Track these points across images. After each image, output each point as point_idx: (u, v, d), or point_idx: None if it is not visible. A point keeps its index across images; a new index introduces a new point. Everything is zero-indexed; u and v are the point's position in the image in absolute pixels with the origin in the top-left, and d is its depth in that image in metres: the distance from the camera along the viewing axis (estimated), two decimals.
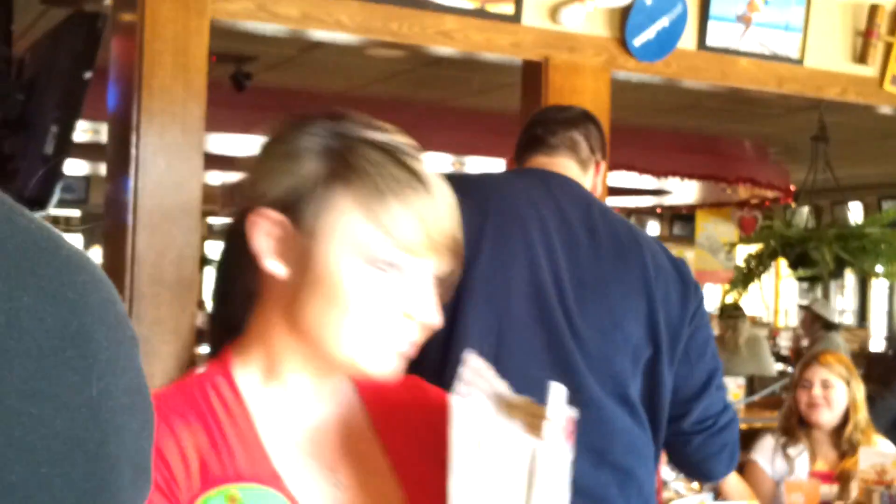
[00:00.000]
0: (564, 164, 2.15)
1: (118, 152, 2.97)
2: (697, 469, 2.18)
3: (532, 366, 1.78)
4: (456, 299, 1.71)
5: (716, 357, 2.09)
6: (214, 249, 14.66)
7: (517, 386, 1.73)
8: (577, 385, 1.79)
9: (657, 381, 1.95)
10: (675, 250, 15.46)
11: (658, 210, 12.85)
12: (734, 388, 6.60)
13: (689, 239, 12.95)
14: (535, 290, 1.82)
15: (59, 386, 0.61)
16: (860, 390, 3.51)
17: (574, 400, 1.78)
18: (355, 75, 7.27)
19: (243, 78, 6.72)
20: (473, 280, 1.78)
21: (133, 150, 2.86)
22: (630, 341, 1.91)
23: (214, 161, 8.36)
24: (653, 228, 14.58)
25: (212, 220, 13.81)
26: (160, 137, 2.88)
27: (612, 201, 10.77)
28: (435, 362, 1.64)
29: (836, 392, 3.46)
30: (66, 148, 3.04)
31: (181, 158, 2.89)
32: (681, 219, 13.96)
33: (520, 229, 1.88)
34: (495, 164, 8.72)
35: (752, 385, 7.11)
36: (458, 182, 1.89)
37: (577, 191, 2.09)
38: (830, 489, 3.38)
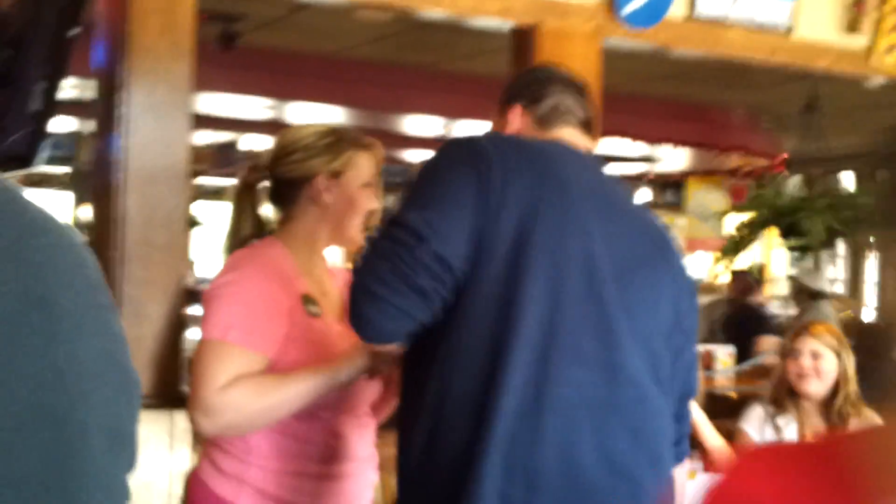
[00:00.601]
0: (587, 144, 2.10)
1: (106, 112, 2.95)
2: None
3: (583, 339, 1.77)
4: (514, 265, 1.74)
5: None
6: (204, 210, 14.62)
7: (568, 359, 1.75)
8: (622, 362, 1.79)
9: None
10: (666, 217, 15.51)
11: (649, 177, 12.85)
12: (724, 356, 6.62)
13: (679, 206, 12.96)
14: (588, 263, 1.79)
15: (22, 350, 0.60)
16: (851, 362, 3.48)
17: (618, 377, 1.78)
18: (343, 37, 7.22)
19: (232, 37, 6.67)
20: (533, 247, 1.76)
21: (120, 110, 2.84)
22: (666, 323, 1.91)
23: (203, 121, 8.35)
24: (644, 195, 14.59)
25: (201, 180, 13.74)
26: (147, 97, 2.86)
27: None
28: (494, 325, 1.73)
29: (826, 363, 3.43)
30: (53, 105, 3.01)
31: (168, 118, 2.87)
32: (671, 186, 13.96)
33: (575, 201, 1.83)
34: (484, 128, 8.71)
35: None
36: (518, 148, 1.88)
37: (608, 171, 2.05)
38: None
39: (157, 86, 2.86)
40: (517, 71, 2.24)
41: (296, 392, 2.06)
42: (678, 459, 2.02)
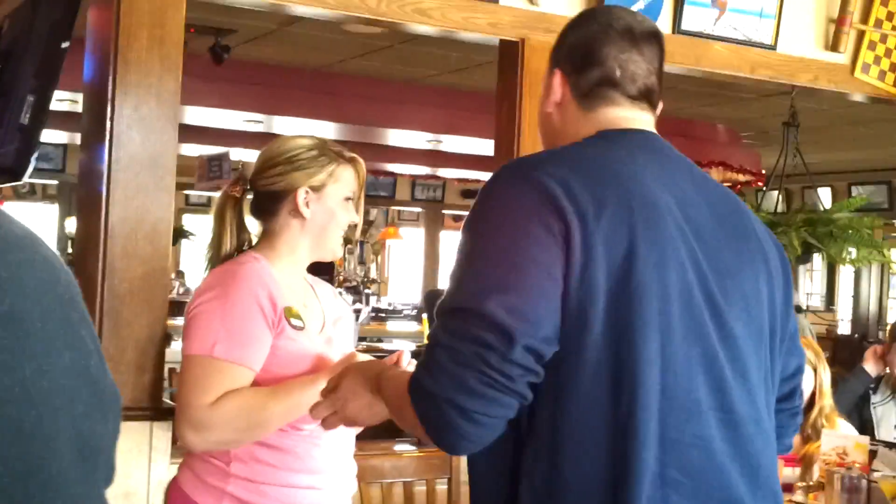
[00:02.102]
0: (649, 119, 1.74)
1: (93, 124, 2.97)
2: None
3: (692, 388, 1.51)
4: (618, 324, 1.47)
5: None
6: (193, 223, 14.61)
7: (684, 412, 1.49)
8: (730, 403, 1.55)
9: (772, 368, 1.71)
10: None
11: None
12: None
13: None
14: (686, 296, 1.52)
15: None
16: (827, 376, 3.54)
17: (727, 420, 1.53)
18: (333, 50, 7.26)
19: (222, 51, 6.70)
20: (635, 298, 1.47)
21: (108, 123, 2.86)
22: (765, 324, 1.65)
23: (192, 133, 8.37)
24: None
25: (189, 192, 13.74)
26: (135, 110, 2.89)
27: None
28: (609, 400, 1.47)
29: (806, 376, 3.49)
30: (43, 118, 3.04)
31: (156, 132, 2.90)
32: None
33: (666, 223, 1.53)
34: (472, 143, 8.73)
35: None
36: (592, 173, 1.53)
37: (679, 156, 1.71)
38: (793, 472, 3.43)
39: (146, 99, 2.89)
40: (579, 21, 1.78)
41: (285, 407, 2.09)
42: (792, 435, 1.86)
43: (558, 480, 1.49)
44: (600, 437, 1.48)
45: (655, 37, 1.74)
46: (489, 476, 1.60)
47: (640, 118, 1.70)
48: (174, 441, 2.92)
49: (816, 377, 3.50)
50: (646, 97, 1.71)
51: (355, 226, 2.34)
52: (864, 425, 3.94)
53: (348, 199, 2.30)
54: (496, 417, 1.45)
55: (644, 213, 1.52)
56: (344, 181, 2.29)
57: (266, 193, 2.29)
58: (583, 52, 1.70)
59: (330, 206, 2.27)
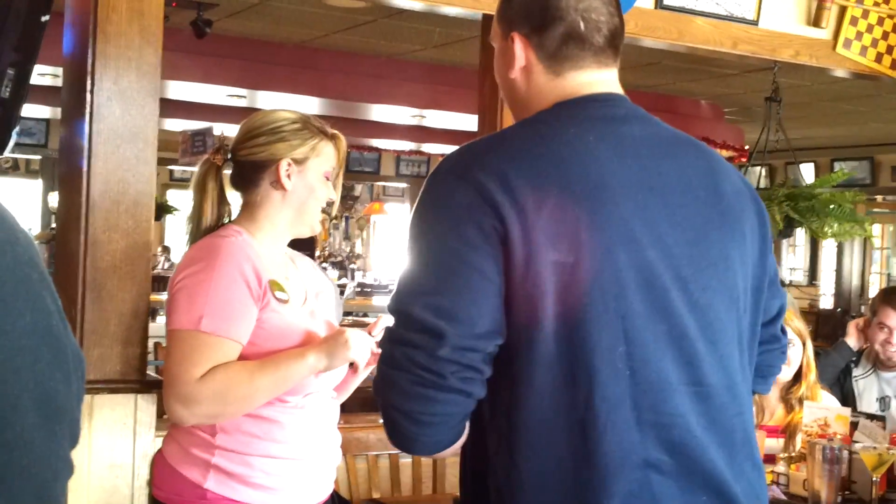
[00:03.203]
0: (612, 75, 1.66)
1: (73, 98, 2.95)
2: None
3: (662, 367, 1.50)
4: (569, 313, 1.45)
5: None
6: (176, 198, 14.54)
7: (658, 393, 1.48)
8: (701, 376, 1.53)
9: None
10: None
11: None
12: None
13: None
14: (644, 275, 1.49)
15: None
16: (811, 349, 3.57)
17: (699, 393, 1.52)
18: (316, 25, 7.23)
19: (203, 25, 6.66)
20: (583, 285, 1.45)
21: (88, 96, 2.85)
22: (736, 294, 1.62)
23: (175, 108, 8.34)
24: None
25: (172, 167, 13.68)
26: (115, 83, 2.87)
27: None
28: (566, 390, 1.46)
29: (795, 350, 3.51)
30: (23, 92, 3.01)
31: (137, 105, 2.88)
32: None
33: (610, 201, 1.49)
34: (457, 119, 8.73)
35: None
36: (529, 160, 1.49)
37: (644, 118, 1.64)
38: (777, 443, 3.46)
39: (126, 72, 2.88)
40: None
41: (273, 380, 2.11)
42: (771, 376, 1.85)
43: (514, 473, 1.48)
44: (558, 430, 1.46)
45: None
46: (465, 468, 1.62)
47: (603, 78, 1.63)
48: (159, 414, 2.93)
49: (805, 351, 3.53)
50: (611, 43, 1.63)
51: (332, 203, 2.34)
52: (846, 398, 3.97)
53: (327, 175, 2.31)
54: (439, 415, 1.46)
55: (590, 197, 1.48)
56: (325, 156, 2.30)
57: (248, 163, 2.29)
58: (538, 9, 1.61)
59: (310, 180, 2.28)
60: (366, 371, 2.28)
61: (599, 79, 1.62)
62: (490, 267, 1.45)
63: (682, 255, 1.54)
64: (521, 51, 1.63)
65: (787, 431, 3.46)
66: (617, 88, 1.65)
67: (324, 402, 2.28)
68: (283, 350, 2.14)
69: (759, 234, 1.69)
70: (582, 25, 1.60)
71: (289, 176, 2.26)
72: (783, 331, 1.85)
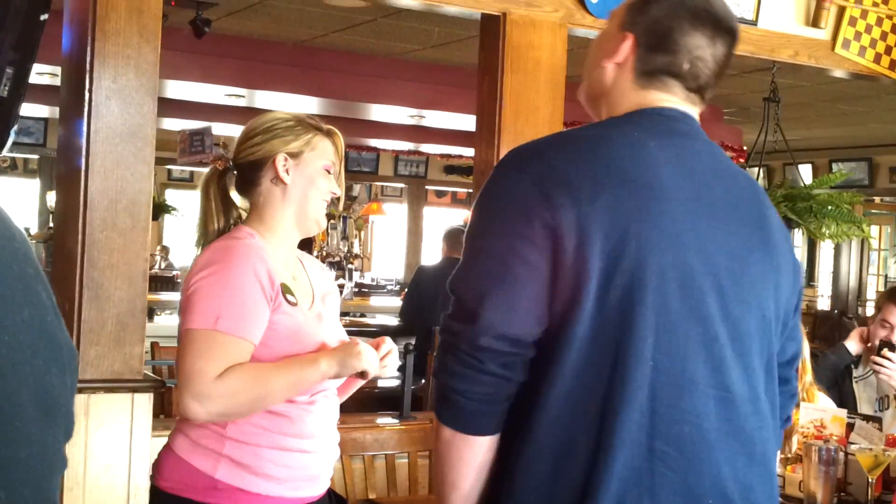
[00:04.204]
0: (693, 112, 1.77)
1: (71, 96, 2.96)
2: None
3: (688, 367, 1.57)
4: (614, 305, 1.54)
5: None
6: (175, 197, 14.54)
7: (677, 388, 1.55)
8: (730, 381, 1.60)
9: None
10: None
11: None
12: None
13: None
14: (685, 277, 1.56)
15: None
16: (807, 351, 3.58)
17: (725, 398, 1.59)
18: (316, 24, 7.23)
19: (202, 24, 6.65)
20: (630, 274, 1.53)
21: (86, 94, 2.85)
22: (768, 317, 1.69)
23: (174, 107, 8.33)
24: None
25: (171, 167, 13.68)
26: (114, 81, 2.87)
27: None
28: (599, 375, 1.54)
29: None
30: (22, 90, 3.01)
31: (135, 103, 2.88)
32: None
33: (663, 203, 1.58)
34: (455, 119, 8.73)
35: None
36: (589, 158, 1.59)
37: (706, 141, 1.73)
38: None
39: (124, 70, 2.88)
40: None
41: (287, 383, 2.18)
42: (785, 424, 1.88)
43: (531, 446, 1.58)
44: (579, 407, 1.55)
45: (732, 35, 1.74)
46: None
47: (681, 106, 1.72)
48: (156, 413, 2.93)
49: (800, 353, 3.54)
50: (700, 91, 1.73)
51: (338, 199, 2.39)
52: (845, 400, 3.97)
53: (328, 169, 2.35)
54: (478, 393, 1.58)
55: (643, 195, 1.57)
56: (321, 150, 2.34)
57: (247, 164, 2.35)
58: (659, 34, 1.71)
59: (309, 172, 2.32)
60: (366, 378, 2.33)
61: (678, 106, 1.73)
62: (539, 259, 1.55)
63: (722, 266, 1.62)
64: (626, 51, 1.72)
65: (785, 434, 3.46)
66: (691, 112, 1.75)
67: (328, 400, 2.34)
68: (293, 354, 2.21)
69: (793, 273, 1.77)
70: (686, 66, 1.71)
71: (287, 170, 2.31)
72: (796, 376, 1.91)
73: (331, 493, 2.41)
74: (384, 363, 2.29)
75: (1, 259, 0.68)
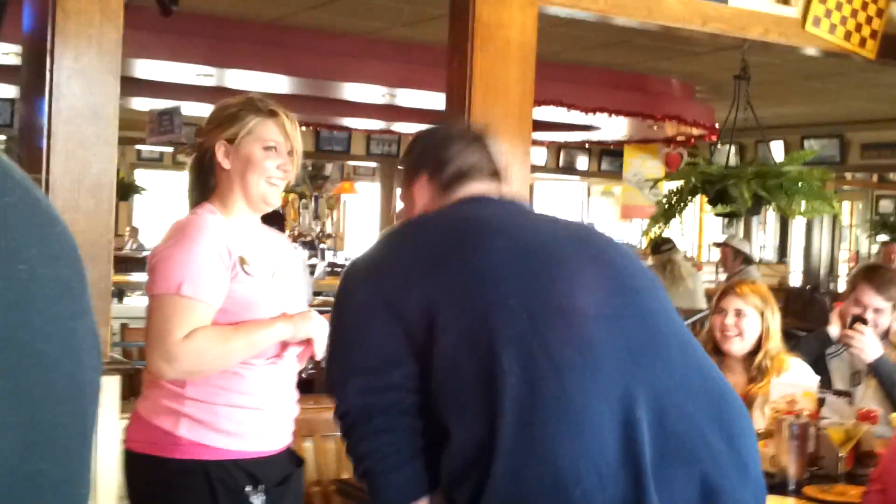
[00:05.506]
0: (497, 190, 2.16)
1: (33, 76, 2.91)
2: None
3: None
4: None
5: None
6: (145, 177, 14.43)
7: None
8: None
9: None
10: (604, 185, 15.43)
11: (587, 145, 12.93)
12: None
13: (617, 174, 13.06)
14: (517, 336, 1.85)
15: (65, 329, 0.67)
16: (775, 320, 3.58)
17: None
18: (285, 3, 7.16)
19: (170, 3, 6.56)
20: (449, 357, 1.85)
21: (47, 74, 2.80)
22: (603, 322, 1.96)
23: (143, 87, 8.24)
24: (582, 163, 14.68)
25: (140, 147, 13.56)
26: (76, 61, 2.82)
27: (542, 136, 10.80)
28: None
29: (749, 321, 3.54)
30: None
31: (97, 83, 2.84)
32: (609, 154, 14.06)
33: (483, 276, 1.89)
34: (428, 98, 8.69)
35: None
36: (409, 255, 1.95)
37: (523, 206, 2.16)
38: None
39: (86, 50, 2.83)
40: (416, 135, 2.27)
41: (246, 343, 2.39)
42: None
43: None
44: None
45: (483, 138, 2.18)
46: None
47: (490, 188, 2.08)
48: (124, 396, 2.91)
49: (763, 320, 3.55)
50: (496, 176, 2.11)
51: (284, 169, 2.52)
52: (822, 377, 3.96)
53: (269, 147, 2.50)
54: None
55: (458, 274, 1.88)
56: (259, 132, 2.50)
57: (202, 152, 2.55)
58: (437, 155, 2.11)
59: (244, 154, 2.49)
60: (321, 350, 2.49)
61: (489, 189, 2.13)
62: (405, 345, 1.94)
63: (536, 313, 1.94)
64: (423, 191, 2.15)
65: (746, 401, 3.48)
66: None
67: (286, 363, 2.51)
68: (252, 320, 2.41)
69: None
70: (469, 162, 2.12)
71: (226, 156, 2.49)
72: None
73: (290, 451, 2.57)
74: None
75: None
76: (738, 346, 3.54)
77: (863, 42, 4.65)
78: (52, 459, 0.64)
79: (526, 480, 1.72)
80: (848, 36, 4.60)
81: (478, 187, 2.07)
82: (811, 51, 4.70)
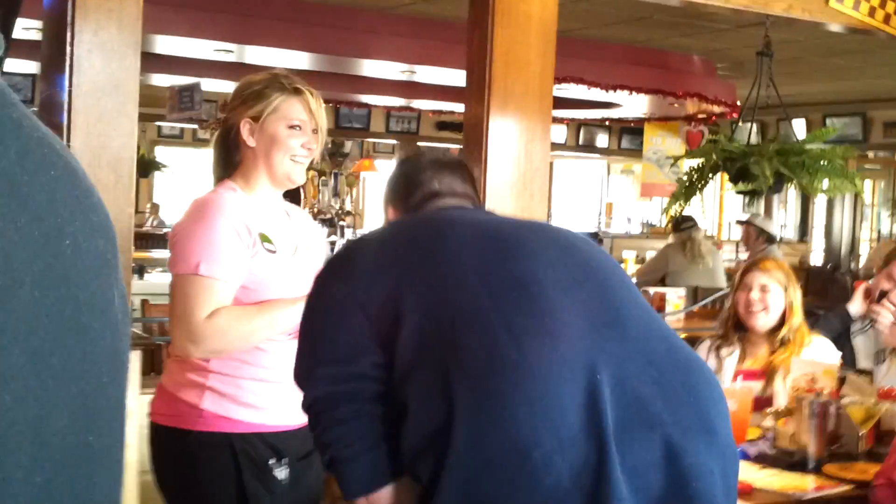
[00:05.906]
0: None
1: (53, 51, 2.91)
2: None
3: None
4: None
5: None
6: (165, 154, 14.45)
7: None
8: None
9: None
10: (624, 164, 15.39)
11: (607, 123, 12.86)
12: (675, 298, 6.70)
13: (637, 152, 12.99)
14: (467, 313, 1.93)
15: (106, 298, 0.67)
16: (797, 296, 3.62)
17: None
18: None
19: None
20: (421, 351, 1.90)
21: (67, 49, 2.80)
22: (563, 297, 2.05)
23: (163, 63, 8.25)
24: (602, 141, 14.61)
25: (161, 123, 13.58)
26: (95, 35, 2.82)
27: (562, 113, 10.74)
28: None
29: (773, 296, 3.59)
30: (6, 46, 2.97)
31: (117, 57, 2.84)
32: (629, 132, 13.99)
33: (448, 265, 1.95)
34: (447, 74, 8.66)
35: (696, 296, 7.23)
36: (375, 252, 2.01)
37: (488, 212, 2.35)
38: (759, 385, 3.49)
39: (106, 24, 2.83)
40: (396, 167, 2.35)
41: (269, 321, 2.42)
42: None
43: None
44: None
45: (459, 164, 2.26)
46: None
47: (462, 203, 2.15)
48: (145, 371, 2.92)
49: (786, 296, 3.60)
50: (469, 198, 2.18)
51: (309, 148, 2.55)
52: (844, 356, 3.95)
53: (293, 126, 2.52)
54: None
55: (424, 267, 1.95)
56: (284, 110, 2.52)
57: (226, 129, 2.57)
58: (405, 185, 2.20)
59: (270, 133, 2.51)
60: None
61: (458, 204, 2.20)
62: (368, 334, 1.99)
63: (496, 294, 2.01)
64: (392, 216, 2.27)
65: (767, 372, 3.50)
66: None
67: None
68: (273, 298, 2.44)
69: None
70: (437, 186, 2.18)
71: (251, 133, 2.51)
72: None
73: None
74: None
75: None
76: (763, 321, 3.58)
77: (887, 18, 4.60)
78: (96, 431, 0.65)
79: (486, 447, 1.76)
80: (872, 12, 4.55)
81: (449, 202, 2.14)
82: (835, 27, 4.65)
